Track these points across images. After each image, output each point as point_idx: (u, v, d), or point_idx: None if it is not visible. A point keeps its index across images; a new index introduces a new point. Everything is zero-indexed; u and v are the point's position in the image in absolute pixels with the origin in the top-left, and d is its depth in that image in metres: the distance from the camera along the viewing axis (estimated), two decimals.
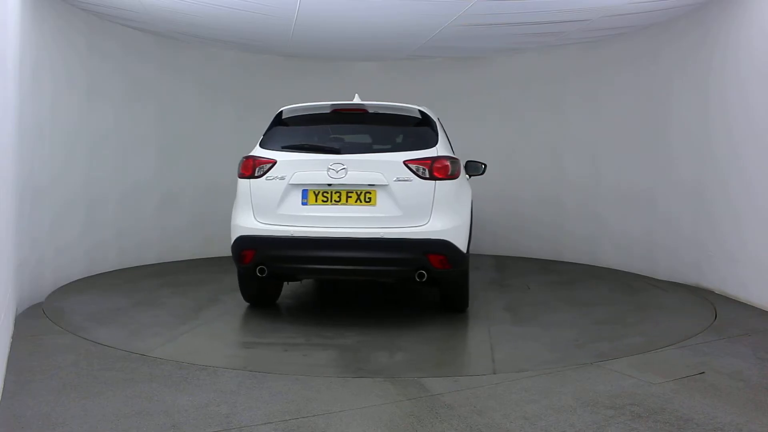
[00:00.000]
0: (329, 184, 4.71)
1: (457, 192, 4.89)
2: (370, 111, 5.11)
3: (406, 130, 5.12)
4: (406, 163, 4.71)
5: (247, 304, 5.55)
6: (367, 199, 4.71)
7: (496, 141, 8.55)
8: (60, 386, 3.40)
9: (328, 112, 5.14)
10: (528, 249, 8.61)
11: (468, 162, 6.74)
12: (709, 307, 5.51)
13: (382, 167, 4.71)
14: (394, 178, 4.67)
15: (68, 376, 3.55)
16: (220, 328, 4.93)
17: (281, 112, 5.29)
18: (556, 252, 8.37)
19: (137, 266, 7.34)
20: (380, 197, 4.68)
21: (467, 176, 6.24)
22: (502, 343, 4.46)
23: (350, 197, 4.72)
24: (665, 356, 4.09)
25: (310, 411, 3.10)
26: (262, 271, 4.80)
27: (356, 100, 5.37)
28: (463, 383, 3.52)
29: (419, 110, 5.12)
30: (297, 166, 4.80)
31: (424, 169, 4.69)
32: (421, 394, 3.35)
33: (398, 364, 3.98)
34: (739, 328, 4.81)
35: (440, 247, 4.64)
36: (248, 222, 4.83)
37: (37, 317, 4.95)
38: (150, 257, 7.57)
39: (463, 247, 4.81)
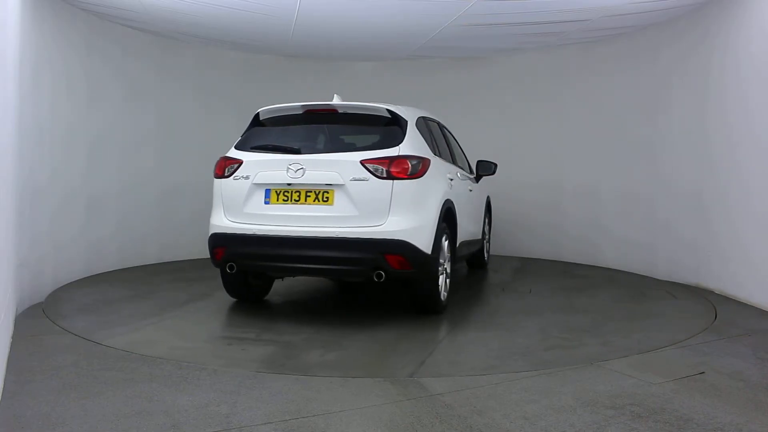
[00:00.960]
0: (289, 184, 4.79)
1: (420, 192, 4.79)
2: (340, 111, 5.12)
3: (373, 130, 5.07)
4: (362, 162, 4.68)
5: (234, 300, 5.64)
6: (325, 199, 4.73)
7: (496, 141, 8.55)
8: (60, 386, 3.40)
9: (301, 112, 5.19)
10: (567, 252, 8.40)
11: (479, 162, 6.81)
12: (709, 307, 5.52)
13: (339, 167, 4.71)
14: (350, 178, 4.66)
15: (68, 376, 3.55)
16: (186, 321, 5.04)
17: (258, 113, 5.35)
18: (583, 255, 8.29)
19: (137, 266, 7.35)
20: (337, 197, 4.69)
21: (464, 176, 6.23)
22: (448, 347, 4.35)
23: (309, 197, 4.76)
24: (665, 356, 4.09)
25: (310, 411, 3.10)
26: (231, 267, 4.96)
27: (335, 100, 5.36)
28: (463, 383, 3.51)
29: (387, 109, 5.06)
30: (260, 166, 4.91)
31: (381, 169, 4.65)
32: (421, 394, 3.34)
33: (322, 362, 3.95)
34: (739, 328, 4.81)
35: (398, 248, 4.60)
36: (219, 220, 5.02)
37: (37, 317, 4.95)
38: (150, 257, 7.58)
39: (425, 248, 4.73)
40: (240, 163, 4.99)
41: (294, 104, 5.22)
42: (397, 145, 4.82)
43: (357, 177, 4.65)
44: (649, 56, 7.14)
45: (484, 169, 6.84)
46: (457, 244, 5.64)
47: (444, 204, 5.07)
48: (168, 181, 7.76)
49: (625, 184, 7.52)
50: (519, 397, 3.30)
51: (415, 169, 4.75)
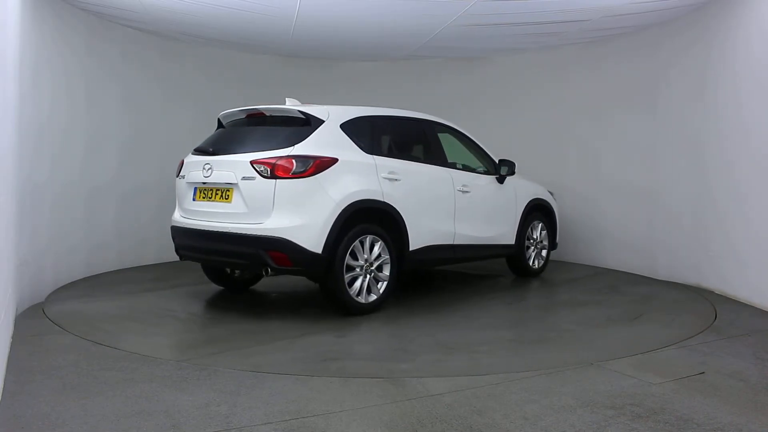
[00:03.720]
0: (204, 183, 5.20)
1: (307, 191, 4.80)
2: (267, 114, 5.38)
3: (286, 131, 5.14)
4: (252, 162, 4.87)
5: (217, 288, 6.16)
6: (226, 197, 5.04)
7: (496, 141, 8.53)
8: (60, 386, 3.40)
9: (243, 116, 5.53)
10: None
11: (500, 161, 6.62)
12: (709, 307, 5.52)
13: (234, 167, 4.97)
14: (242, 177, 4.89)
15: (68, 376, 3.55)
16: (126, 302, 5.59)
17: (219, 117, 5.76)
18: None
19: (137, 266, 7.36)
20: (235, 195, 4.97)
21: (450, 178, 5.94)
22: (272, 347, 4.27)
23: (217, 194, 5.13)
24: (665, 356, 4.09)
25: (310, 411, 3.10)
26: (180, 257, 5.57)
27: (288, 103, 5.46)
28: (463, 383, 3.52)
29: (299, 111, 5.19)
30: (191, 167, 5.39)
31: (266, 169, 4.80)
32: (421, 394, 3.35)
33: (143, 342, 4.32)
34: (739, 328, 4.81)
35: (277, 245, 4.74)
36: (174, 214, 5.61)
37: (37, 317, 4.95)
38: (150, 257, 7.57)
39: (312, 247, 4.76)
40: (182, 164, 5.58)
41: (239, 109, 5.54)
42: (294, 145, 4.93)
43: (247, 176, 4.87)
44: (650, 56, 7.13)
45: (505, 168, 6.59)
46: (411, 248, 5.43)
47: (354, 205, 4.97)
48: (168, 181, 7.74)
49: (625, 183, 7.51)
50: (519, 397, 3.30)
51: (301, 168, 4.80)
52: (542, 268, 7.26)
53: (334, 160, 4.96)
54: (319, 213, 4.82)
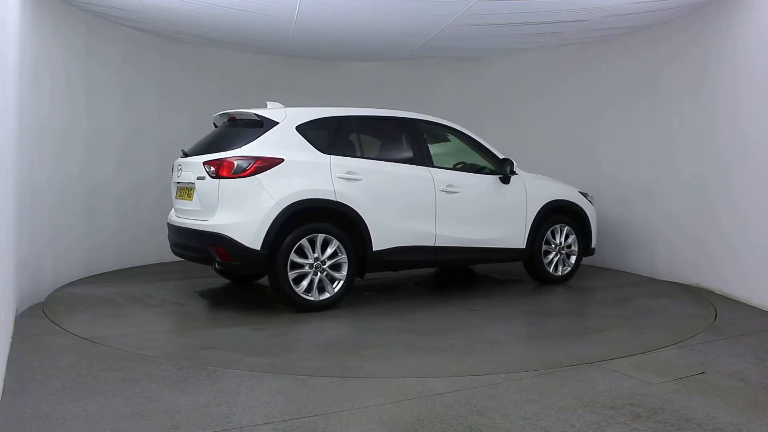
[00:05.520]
0: (178, 182, 5.60)
1: (247, 190, 5.00)
2: (237, 117, 5.65)
3: (245, 133, 5.35)
4: (204, 163, 5.18)
5: (224, 281, 6.50)
6: (190, 195, 5.37)
7: (496, 141, 8.52)
8: (60, 386, 3.40)
9: (226, 120, 5.79)
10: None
11: (502, 159, 6.39)
12: (709, 307, 5.52)
13: (194, 168, 5.32)
14: (197, 177, 5.24)
15: (68, 376, 3.55)
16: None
17: (213, 120, 6.04)
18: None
19: (137, 266, 7.36)
20: (194, 194, 5.30)
21: (430, 177, 5.73)
22: (197, 333, 4.69)
23: (185, 193, 5.48)
24: (665, 356, 4.09)
25: (310, 411, 3.10)
26: (173, 252, 5.83)
27: (269, 106, 5.62)
28: (462, 383, 3.52)
29: (255, 114, 5.42)
30: (175, 168, 5.76)
31: (212, 169, 5.11)
32: (421, 394, 3.35)
33: (87, 322, 4.77)
34: (739, 328, 4.81)
35: (219, 240, 5.02)
36: (170, 212, 5.92)
37: (37, 317, 4.95)
38: (151, 257, 7.57)
39: (250, 243, 4.96)
40: (172, 165, 5.89)
41: (220, 113, 5.81)
42: (242, 146, 5.16)
43: (200, 176, 5.21)
44: (647, 54, 7.13)
45: (508, 167, 6.25)
46: (375, 248, 5.37)
47: (299, 204, 5.06)
48: (168, 181, 7.75)
49: (625, 183, 7.51)
50: (519, 397, 3.30)
51: (241, 169, 5.03)
52: (568, 276, 6.68)
53: (279, 161, 5.11)
54: (257, 211, 5.00)
